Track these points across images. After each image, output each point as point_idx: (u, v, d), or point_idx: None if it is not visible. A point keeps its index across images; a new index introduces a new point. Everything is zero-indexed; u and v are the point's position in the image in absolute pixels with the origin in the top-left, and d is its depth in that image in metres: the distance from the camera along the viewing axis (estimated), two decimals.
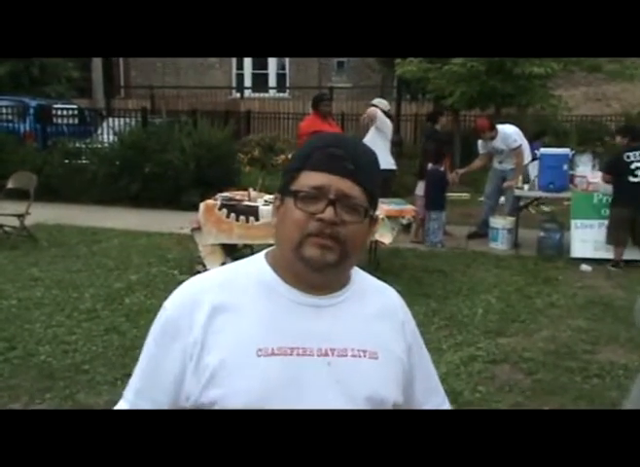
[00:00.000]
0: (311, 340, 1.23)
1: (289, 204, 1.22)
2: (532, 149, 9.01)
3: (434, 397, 1.43)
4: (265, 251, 1.33)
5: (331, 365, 1.22)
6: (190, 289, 1.28)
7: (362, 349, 1.26)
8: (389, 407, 1.28)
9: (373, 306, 1.33)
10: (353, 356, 1.25)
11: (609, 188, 7.42)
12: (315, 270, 1.22)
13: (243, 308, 1.24)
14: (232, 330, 1.22)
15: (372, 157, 1.29)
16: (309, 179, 1.21)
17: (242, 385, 1.19)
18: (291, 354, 1.21)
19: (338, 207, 1.19)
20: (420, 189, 8.63)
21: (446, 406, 1.46)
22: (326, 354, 1.23)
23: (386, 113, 8.43)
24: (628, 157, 7.19)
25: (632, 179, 7.16)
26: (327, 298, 1.27)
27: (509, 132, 8.54)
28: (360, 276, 1.35)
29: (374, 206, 1.26)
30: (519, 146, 8.49)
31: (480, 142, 8.92)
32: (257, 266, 1.30)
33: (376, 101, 8.56)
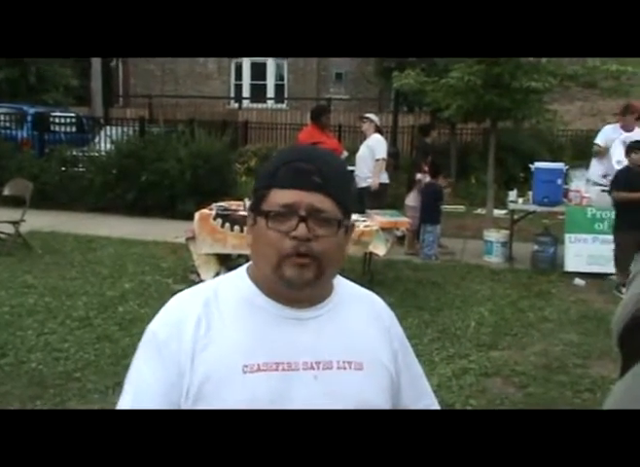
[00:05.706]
0: (296, 353, 1.22)
1: (261, 224, 1.21)
2: None
3: (421, 401, 1.41)
4: (246, 265, 1.32)
5: (317, 378, 1.22)
6: (174, 309, 1.27)
7: (347, 360, 1.26)
8: None
9: (356, 316, 1.33)
10: (339, 368, 1.24)
11: (602, 202, 7.41)
12: (295, 289, 1.22)
13: (227, 325, 1.23)
14: (218, 347, 1.21)
15: (341, 167, 1.29)
16: (278, 197, 1.20)
17: (229, 402, 1.18)
18: (277, 369, 1.20)
19: (311, 223, 1.18)
20: (410, 199, 8.68)
21: (435, 408, 1.44)
22: (312, 368, 1.22)
23: (377, 127, 8.48)
24: None
25: None
26: (310, 310, 1.27)
27: None
28: (342, 286, 1.35)
29: (348, 216, 1.25)
30: None
31: (609, 128, 8.19)
32: (239, 281, 1.30)
33: (372, 117, 8.60)
